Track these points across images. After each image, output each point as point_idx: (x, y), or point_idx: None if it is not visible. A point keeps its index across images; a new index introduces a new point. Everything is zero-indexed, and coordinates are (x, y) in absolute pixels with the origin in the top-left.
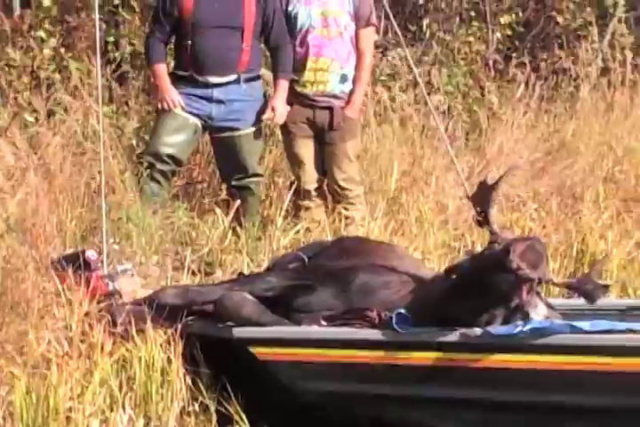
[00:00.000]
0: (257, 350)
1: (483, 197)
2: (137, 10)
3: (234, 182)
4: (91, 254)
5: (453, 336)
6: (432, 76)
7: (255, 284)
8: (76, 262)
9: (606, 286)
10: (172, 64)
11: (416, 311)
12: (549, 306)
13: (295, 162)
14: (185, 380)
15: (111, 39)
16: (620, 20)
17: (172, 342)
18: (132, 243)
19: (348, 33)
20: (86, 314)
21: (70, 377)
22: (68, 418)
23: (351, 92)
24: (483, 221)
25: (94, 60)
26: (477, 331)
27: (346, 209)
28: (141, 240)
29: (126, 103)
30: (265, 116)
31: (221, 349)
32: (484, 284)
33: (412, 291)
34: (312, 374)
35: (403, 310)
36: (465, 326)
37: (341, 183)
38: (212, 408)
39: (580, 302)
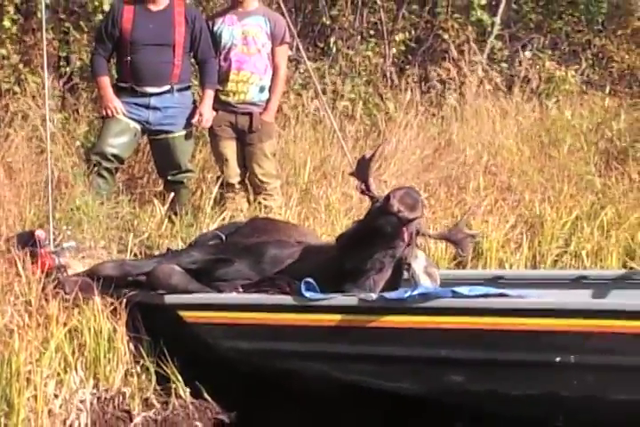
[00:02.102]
0: (185, 314)
1: (362, 170)
2: (85, 30)
3: (169, 177)
4: (40, 233)
5: (353, 301)
6: (337, 86)
7: (181, 257)
8: (29, 241)
9: (473, 235)
10: (115, 77)
11: (320, 276)
12: (428, 258)
13: (220, 159)
14: (128, 346)
15: (63, 55)
16: (496, 37)
17: (117, 313)
18: (83, 230)
19: (266, 50)
20: (43, 290)
21: (29, 345)
22: (28, 380)
23: (268, 100)
24: (365, 189)
25: (45, 73)
26: (373, 296)
27: (265, 199)
28: (91, 227)
29: (76, 111)
30: (194, 121)
31: (156, 315)
32: (371, 233)
33: (314, 259)
34: (232, 334)
35: (309, 279)
36: (360, 279)
37: (260, 177)
38: (152, 370)
39: (462, 272)
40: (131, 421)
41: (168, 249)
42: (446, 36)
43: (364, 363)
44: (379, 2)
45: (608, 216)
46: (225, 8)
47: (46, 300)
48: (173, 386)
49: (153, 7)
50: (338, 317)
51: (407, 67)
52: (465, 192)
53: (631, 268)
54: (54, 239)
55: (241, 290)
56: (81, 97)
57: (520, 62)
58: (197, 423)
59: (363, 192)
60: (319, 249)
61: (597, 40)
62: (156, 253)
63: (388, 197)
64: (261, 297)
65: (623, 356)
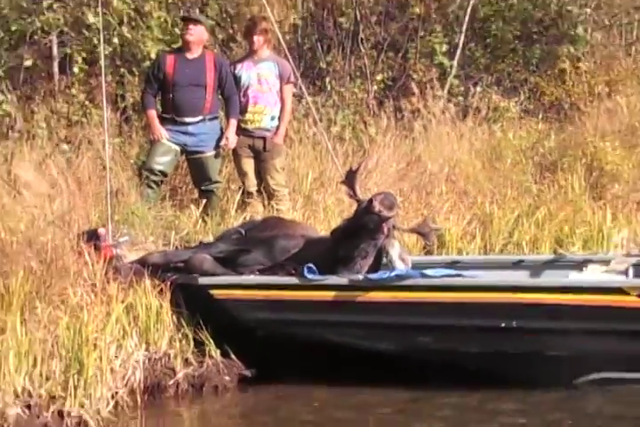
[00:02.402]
0: (215, 292)
1: (350, 180)
2: (136, 74)
3: (202, 187)
4: (101, 231)
5: (344, 281)
6: (331, 115)
7: (211, 248)
8: (94, 237)
9: (437, 229)
10: (160, 110)
11: (318, 262)
12: (402, 247)
13: (241, 173)
14: (172, 318)
15: (120, 93)
16: (454, 77)
17: (163, 292)
18: (135, 228)
19: (275, 88)
20: (105, 275)
21: (95, 318)
22: (95, 345)
23: (277, 127)
24: (352, 194)
25: (105, 108)
26: (360, 276)
27: (276, 204)
28: (142, 226)
29: (130, 136)
30: (222, 144)
31: (193, 293)
32: (358, 228)
33: (313, 249)
34: (251, 308)
35: (310, 265)
36: (349, 264)
37: (273, 187)
38: (190, 336)
39: (428, 257)
40: (174, 376)
41: (200, 242)
42: (415, 76)
43: (354, 328)
44: (363, 50)
45: (542, 214)
46: (244, 56)
47: (108, 282)
48: (207, 349)
49: (189, 56)
50: (332, 293)
51: (385, 100)
52: (431, 197)
53: (560, 253)
54: (113, 236)
55: (257, 273)
56: (133, 126)
57: (473, 96)
58: (226, 377)
59: (351, 197)
60: (318, 241)
61: (532, 78)
62: (192, 245)
63: (370, 201)
64: (273, 278)
65: (556, 321)
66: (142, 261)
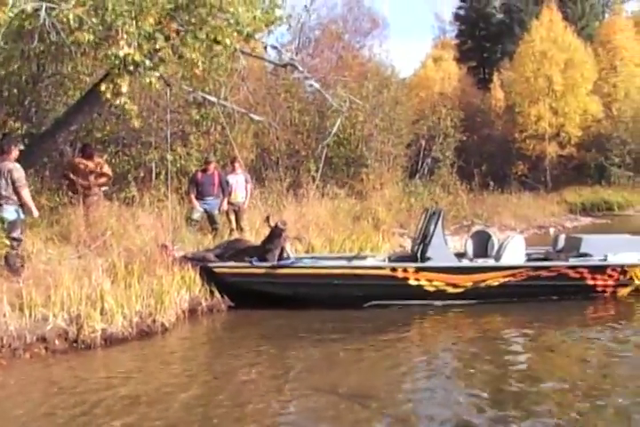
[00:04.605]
0: (216, 270)
1: (267, 218)
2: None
3: (213, 226)
4: (167, 243)
5: (269, 265)
6: (266, 195)
7: (213, 251)
8: (165, 246)
9: (304, 238)
10: (195, 193)
11: (257, 255)
12: (289, 249)
13: (229, 220)
14: (199, 281)
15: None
16: (319, 180)
17: (195, 270)
18: (184, 245)
19: (244, 184)
20: (169, 266)
21: (165, 279)
22: (167, 292)
23: (244, 202)
24: (269, 224)
25: (170, 200)
26: (276, 262)
27: (243, 232)
28: (187, 244)
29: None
30: (221, 209)
31: (206, 271)
32: (272, 237)
33: (255, 249)
34: (232, 277)
35: (255, 258)
36: (270, 255)
37: (242, 225)
38: (208, 289)
39: (311, 254)
40: (201, 305)
41: (207, 249)
42: (302, 179)
43: (283, 286)
44: (281, 169)
45: (355, 237)
46: (229, 170)
47: (172, 269)
48: (218, 296)
49: (208, 172)
50: (265, 270)
51: (290, 189)
52: (307, 228)
53: (359, 253)
54: (173, 246)
55: (232, 262)
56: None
57: (325, 187)
58: (222, 305)
59: (268, 225)
60: (256, 246)
61: (350, 181)
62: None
63: (276, 224)
64: (241, 264)
65: (356, 280)
66: (186, 256)
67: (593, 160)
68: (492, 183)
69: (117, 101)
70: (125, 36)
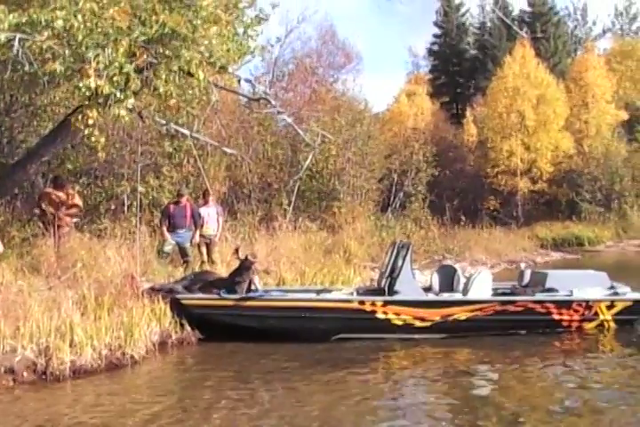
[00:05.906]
0: (185, 302)
1: (236, 251)
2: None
3: (184, 258)
4: (135, 274)
5: (237, 297)
6: (238, 228)
7: (181, 282)
8: (130, 278)
9: (273, 270)
10: (167, 225)
11: (225, 287)
12: (258, 281)
13: (200, 252)
14: (169, 313)
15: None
16: (291, 214)
17: (165, 301)
18: (155, 278)
19: (216, 216)
20: (136, 295)
21: (137, 312)
22: (137, 324)
23: (215, 235)
24: (238, 256)
25: (138, 232)
26: (245, 294)
27: (214, 264)
28: (157, 275)
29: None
30: (193, 240)
31: (176, 303)
32: (241, 269)
33: (223, 282)
34: (201, 309)
35: (223, 290)
36: (239, 287)
37: (214, 258)
38: (178, 322)
39: (284, 287)
40: (171, 338)
41: (175, 280)
42: (275, 213)
43: (251, 319)
44: (254, 203)
45: (326, 270)
46: (201, 203)
47: (142, 301)
48: (188, 329)
49: (180, 204)
50: (232, 302)
51: (262, 222)
52: (279, 262)
53: (326, 288)
54: (140, 277)
55: (199, 293)
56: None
57: (297, 221)
58: (192, 338)
59: (237, 257)
60: (225, 278)
61: (322, 215)
62: (174, 281)
63: (246, 256)
64: (209, 296)
65: (322, 313)
66: (154, 287)
67: (564, 196)
68: (463, 218)
69: (86, 131)
70: (96, 67)
